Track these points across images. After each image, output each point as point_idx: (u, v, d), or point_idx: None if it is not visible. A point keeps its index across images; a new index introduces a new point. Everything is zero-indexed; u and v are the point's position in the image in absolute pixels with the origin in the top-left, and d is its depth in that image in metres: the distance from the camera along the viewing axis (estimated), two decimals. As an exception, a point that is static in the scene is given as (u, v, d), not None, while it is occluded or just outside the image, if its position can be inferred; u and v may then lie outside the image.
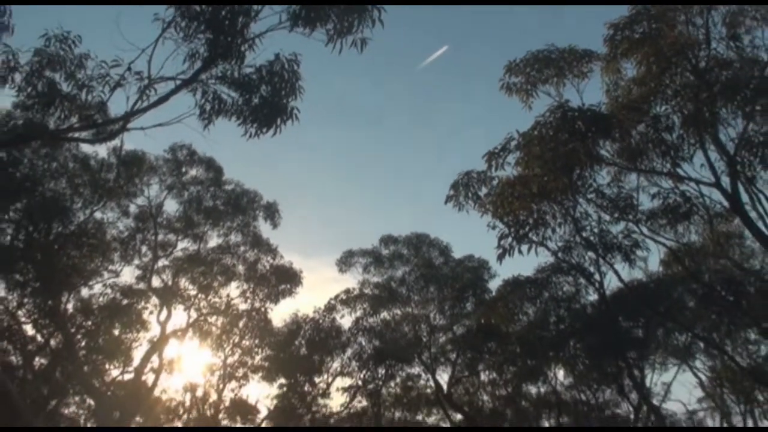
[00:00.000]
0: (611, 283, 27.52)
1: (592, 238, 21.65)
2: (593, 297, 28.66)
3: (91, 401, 29.51)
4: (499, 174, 20.20)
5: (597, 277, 25.44)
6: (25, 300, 26.91)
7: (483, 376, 34.02)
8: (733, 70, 18.76)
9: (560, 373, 32.36)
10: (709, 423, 36.39)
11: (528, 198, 19.22)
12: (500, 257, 18.82)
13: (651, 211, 21.01)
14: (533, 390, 33.48)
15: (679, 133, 19.13)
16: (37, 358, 29.57)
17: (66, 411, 31.20)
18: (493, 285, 31.27)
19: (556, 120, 18.47)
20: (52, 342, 28.92)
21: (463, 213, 21.07)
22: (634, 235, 21.01)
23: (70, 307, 28.00)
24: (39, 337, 29.19)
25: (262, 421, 33.34)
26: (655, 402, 30.54)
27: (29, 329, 29.00)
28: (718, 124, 18.97)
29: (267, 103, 14.57)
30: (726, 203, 19.87)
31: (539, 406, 33.43)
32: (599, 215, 21.20)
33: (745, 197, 19.45)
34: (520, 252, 18.99)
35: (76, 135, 18.70)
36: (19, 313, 27.86)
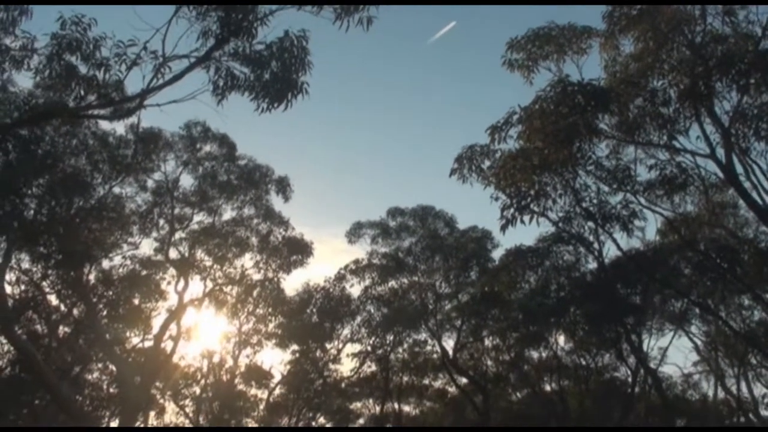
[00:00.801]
0: (610, 252, 28.09)
1: (591, 208, 21.87)
2: (593, 265, 29.20)
3: (113, 367, 29.95)
4: (501, 147, 20.63)
5: (596, 246, 26.04)
6: (49, 271, 27.38)
7: (487, 342, 34.73)
8: (727, 44, 19.03)
9: (561, 339, 33.17)
10: (704, 385, 37.33)
11: (529, 170, 19.52)
12: (503, 227, 19.05)
13: (648, 182, 21.28)
14: (535, 355, 34.18)
15: (675, 107, 19.52)
16: (61, 327, 30.24)
17: (89, 377, 31.79)
18: (497, 254, 32.03)
19: (557, 94, 18.72)
20: (75, 311, 29.56)
21: (467, 185, 21.54)
22: (632, 206, 21.26)
23: (92, 278, 28.49)
24: (63, 307, 29.80)
25: (276, 385, 34.19)
26: (652, 366, 31.19)
27: (53, 299, 29.61)
28: (714, 98, 19.26)
29: (278, 78, 14.98)
30: (721, 174, 20.35)
31: (541, 370, 34.21)
32: (598, 186, 21.52)
33: (739, 168, 19.92)
34: (522, 222, 19.22)
35: (95, 112, 19.38)
36: (44, 284, 28.41)
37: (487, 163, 21.48)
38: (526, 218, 19.55)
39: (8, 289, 26.79)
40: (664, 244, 27.45)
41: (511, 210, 19.18)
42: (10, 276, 26.86)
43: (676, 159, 20.99)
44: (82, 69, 15.52)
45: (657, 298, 29.64)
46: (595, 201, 21.83)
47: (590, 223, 23.61)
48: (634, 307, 29.24)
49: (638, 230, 27.02)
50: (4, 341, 28.26)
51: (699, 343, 34.38)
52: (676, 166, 20.64)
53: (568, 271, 29.66)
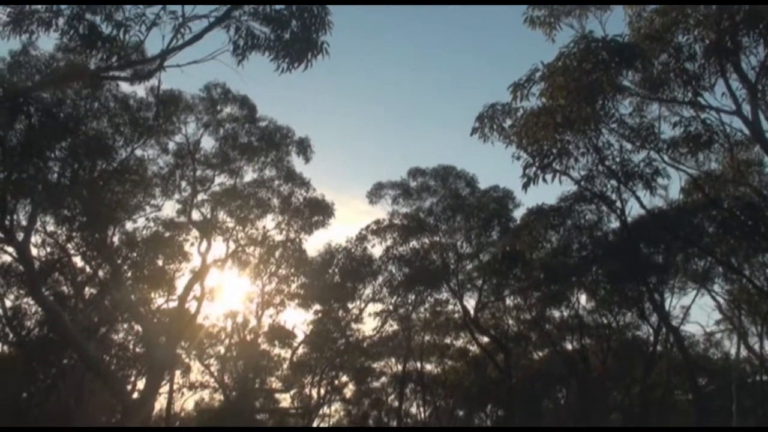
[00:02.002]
0: (632, 211, 27.89)
1: (614, 166, 21.83)
2: (615, 224, 29.26)
3: (138, 327, 30.53)
4: (523, 105, 20.02)
5: (618, 205, 25.93)
6: (74, 234, 27.64)
7: (508, 301, 34.92)
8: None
9: (583, 298, 33.20)
10: (727, 344, 37.34)
11: (552, 128, 19.29)
12: (525, 186, 18.88)
13: (672, 139, 20.96)
14: (556, 314, 34.32)
15: (700, 63, 19.06)
16: (86, 288, 30.72)
17: (115, 337, 32.41)
18: (518, 214, 31.92)
19: (580, 51, 18.20)
20: (100, 273, 29.87)
21: (488, 145, 21.24)
22: (656, 164, 21.19)
23: (115, 239, 28.75)
24: (88, 269, 30.28)
25: (299, 345, 34.55)
26: (674, 324, 31.28)
27: (78, 261, 30.10)
28: (740, 53, 18.81)
29: (297, 38, 14.85)
30: (746, 131, 19.96)
31: (562, 329, 34.36)
32: (621, 144, 21.43)
33: (765, 125, 19.47)
34: (544, 180, 19.08)
35: (116, 74, 19.40)
36: (69, 246, 28.81)
37: (509, 121, 21.16)
38: (549, 177, 19.48)
39: (34, 251, 27.23)
40: (687, 202, 27.17)
41: (533, 168, 19.05)
42: (35, 238, 27.35)
43: (701, 116, 20.44)
44: (105, 29, 15.29)
45: (680, 257, 29.62)
46: (617, 159, 21.76)
47: (613, 182, 23.70)
48: (656, 266, 29.32)
49: (661, 189, 26.91)
50: (32, 302, 28.79)
51: (722, 301, 34.35)
52: (701, 123, 20.13)
53: (590, 230, 29.67)
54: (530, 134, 19.56)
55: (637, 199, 23.09)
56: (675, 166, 22.27)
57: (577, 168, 21.69)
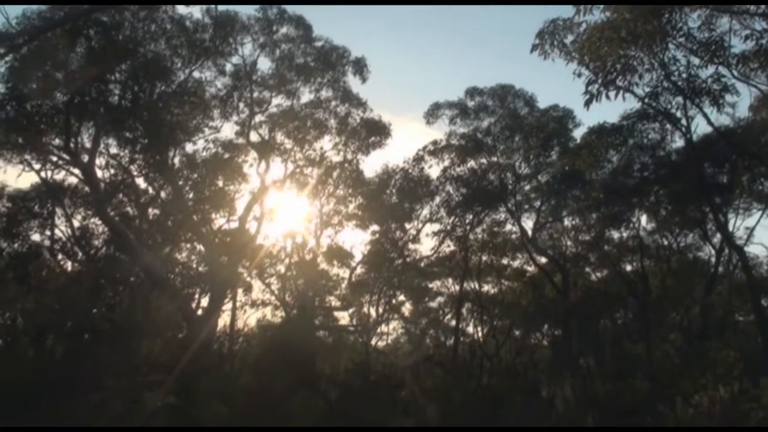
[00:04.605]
0: (698, 128, 27.19)
1: (680, 83, 21.26)
2: (678, 144, 28.68)
3: (201, 247, 31.29)
4: (586, 19, 19.45)
5: (684, 122, 25.29)
6: (136, 155, 28.06)
7: (566, 222, 34.67)
8: None
9: (643, 219, 32.70)
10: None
11: (616, 43, 18.89)
12: (587, 103, 18.35)
13: (743, 54, 19.79)
14: (616, 235, 33.86)
15: None
16: (150, 209, 31.40)
17: (179, 256, 33.18)
18: (578, 133, 31.59)
19: None
20: (163, 194, 30.54)
21: (548, 63, 21.18)
22: (724, 80, 20.34)
23: (176, 161, 29.27)
24: (151, 190, 30.88)
25: (357, 265, 34.97)
26: (737, 244, 30.68)
27: (141, 183, 30.73)
28: None
29: None
30: None
31: (622, 250, 34.07)
32: (688, 60, 20.73)
33: None
34: (607, 98, 18.48)
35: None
36: (132, 167, 29.33)
37: (571, 37, 20.67)
38: (612, 94, 18.82)
39: (99, 173, 27.91)
40: (756, 120, 26.15)
41: (596, 85, 18.63)
42: (100, 161, 27.92)
43: (775, 28, 19.62)
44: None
45: (746, 176, 28.99)
46: (684, 75, 21.19)
47: (678, 99, 22.97)
48: (721, 186, 28.69)
49: (729, 106, 25.67)
50: (99, 222, 29.74)
51: (788, 222, 33.44)
52: (774, 36, 19.29)
53: (652, 149, 29.13)
54: (593, 50, 19.23)
55: (705, 115, 22.40)
56: (745, 82, 21.37)
57: (642, 85, 21.30)
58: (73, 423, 16.86)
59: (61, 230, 31.09)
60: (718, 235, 30.56)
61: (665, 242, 33.67)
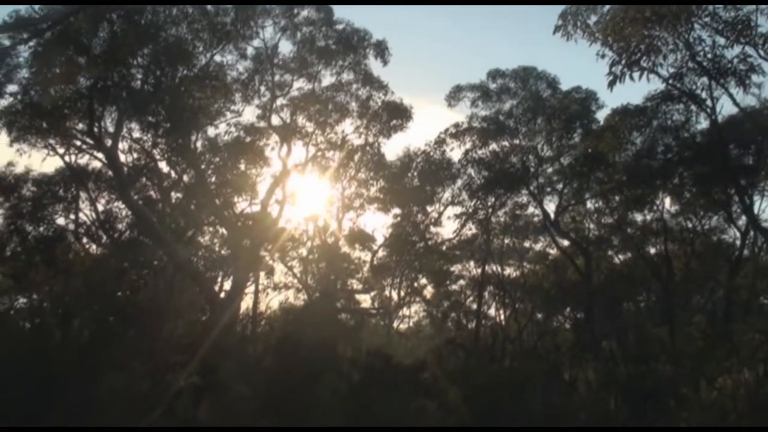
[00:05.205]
0: (723, 109, 26.73)
1: (705, 63, 21.10)
2: (703, 125, 28.35)
3: (223, 230, 31.51)
4: None
5: (709, 103, 25.02)
6: (159, 139, 28.34)
7: (589, 205, 34.25)
8: None
9: (667, 201, 32.28)
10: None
11: (640, 23, 18.76)
12: (611, 84, 18.26)
13: None
14: (639, 218, 33.43)
15: None
16: (172, 193, 31.60)
17: (202, 239, 33.34)
18: (601, 115, 31.27)
19: None
20: (185, 178, 30.67)
21: (570, 45, 21.03)
22: (750, 60, 20.10)
23: (199, 145, 29.35)
24: (173, 174, 31.04)
25: (379, 248, 34.94)
26: (764, 227, 30.29)
27: (164, 167, 30.95)
28: None
29: None
30: None
31: (645, 232, 33.75)
32: (714, 40, 20.50)
33: None
34: (631, 78, 18.40)
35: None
36: (154, 152, 29.66)
37: (594, 18, 20.61)
38: (636, 75, 18.77)
39: (122, 157, 28.17)
40: (784, 100, 25.83)
41: (620, 66, 18.52)
42: (123, 145, 28.16)
43: (803, 7, 19.31)
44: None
45: (772, 158, 28.39)
46: (709, 55, 20.97)
47: (704, 79, 22.88)
48: (746, 168, 28.35)
49: (755, 87, 25.40)
50: (122, 206, 30.00)
51: (815, 204, 32.95)
52: (802, 15, 18.97)
53: (676, 131, 28.83)
54: (617, 30, 19.10)
55: (730, 96, 22.20)
56: (773, 61, 21.00)
57: (666, 65, 21.11)
58: (97, 403, 17.13)
59: (86, 214, 31.42)
60: (743, 218, 30.16)
61: (689, 225, 33.29)
